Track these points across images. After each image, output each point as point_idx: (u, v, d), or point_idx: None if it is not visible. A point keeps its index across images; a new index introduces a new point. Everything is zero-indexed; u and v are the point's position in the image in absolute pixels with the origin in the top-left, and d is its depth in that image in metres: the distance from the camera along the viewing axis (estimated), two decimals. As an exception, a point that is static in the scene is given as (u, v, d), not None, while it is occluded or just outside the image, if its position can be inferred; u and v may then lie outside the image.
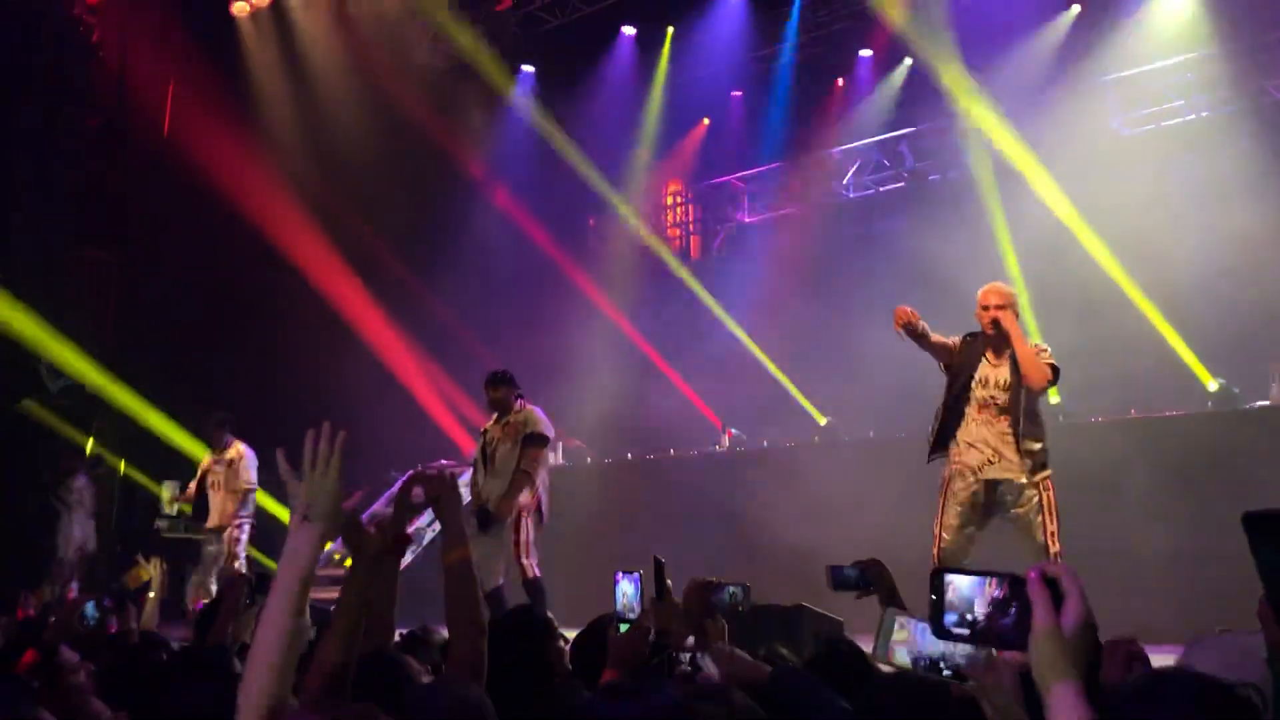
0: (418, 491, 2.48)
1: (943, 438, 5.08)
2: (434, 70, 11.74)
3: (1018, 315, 5.03)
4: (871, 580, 2.85)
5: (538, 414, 6.31)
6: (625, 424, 10.81)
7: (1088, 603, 1.26)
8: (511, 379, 6.41)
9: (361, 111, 11.47)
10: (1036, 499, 4.85)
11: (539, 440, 6.20)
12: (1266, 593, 1.19)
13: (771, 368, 10.95)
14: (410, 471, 10.90)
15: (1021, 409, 4.88)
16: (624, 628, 2.52)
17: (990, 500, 4.95)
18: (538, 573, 6.14)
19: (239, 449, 8.11)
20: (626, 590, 2.70)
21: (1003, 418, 4.93)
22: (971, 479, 4.95)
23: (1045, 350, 4.99)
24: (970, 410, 5.01)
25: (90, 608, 3.79)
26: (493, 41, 11.95)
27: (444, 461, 11.16)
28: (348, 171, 11.23)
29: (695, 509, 8.89)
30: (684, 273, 11.98)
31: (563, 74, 12.01)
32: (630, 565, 2.80)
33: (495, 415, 6.45)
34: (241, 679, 1.50)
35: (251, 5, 11.74)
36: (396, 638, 2.74)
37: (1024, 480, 4.85)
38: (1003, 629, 1.30)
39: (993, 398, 4.96)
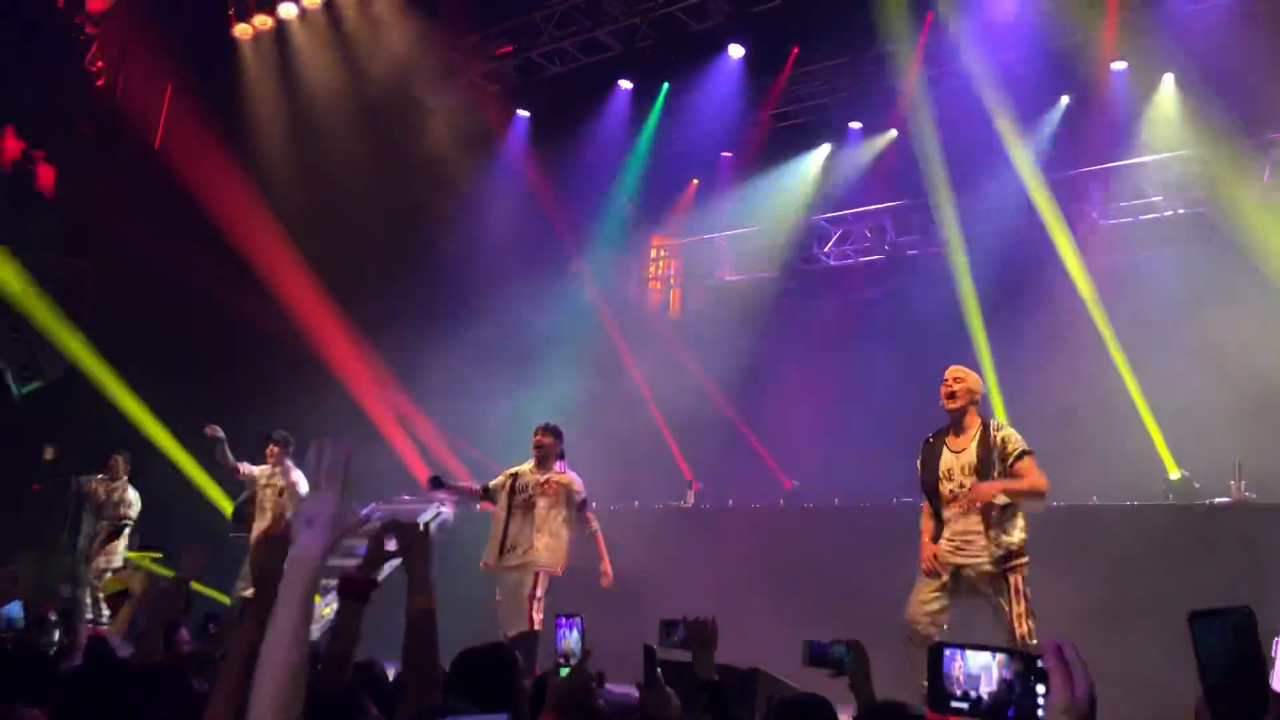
0: (391, 540, 2.50)
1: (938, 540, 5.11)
2: (430, 107, 11.83)
3: (977, 396, 5.12)
4: (854, 661, 2.89)
5: (577, 479, 6.72)
6: (594, 472, 10.78)
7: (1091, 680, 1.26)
8: (560, 433, 6.78)
9: (354, 142, 11.52)
10: (1005, 587, 4.86)
11: (589, 505, 6.74)
12: (1204, 685, 1.21)
13: (744, 428, 10.99)
14: (376, 510, 10.84)
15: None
16: (564, 673, 2.55)
17: (959, 583, 4.99)
18: (538, 626, 6.37)
19: (295, 477, 8.14)
20: (568, 636, 2.73)
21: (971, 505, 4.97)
22: (947, 553, 5.01)
23: (1005, 434, 5.00)
24: (944, 509, 5.07)
25: (16, 608, 3.66)
26: (491, 84, 12.08)
27: (405, 497, 11.09)
28: (334, 200, 11.26)
29: (654, 562, 8.84)
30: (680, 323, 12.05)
31: (557, 121, 12.13)
32: (585, 611, 2.82)
33: (534, 463, 6.74)
34: (252, 689, 1.48)
35: (254, 28, 11.82)
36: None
37: (989, 569, 4.87)
38: (1009, 705, 1.30)
39: (961, 485, 5.00)
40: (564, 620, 2.76)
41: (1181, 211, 9.72)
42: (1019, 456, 4.94)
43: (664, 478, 10.77)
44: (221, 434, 8.23)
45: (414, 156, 11.48)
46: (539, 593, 6.42)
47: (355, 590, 2.47)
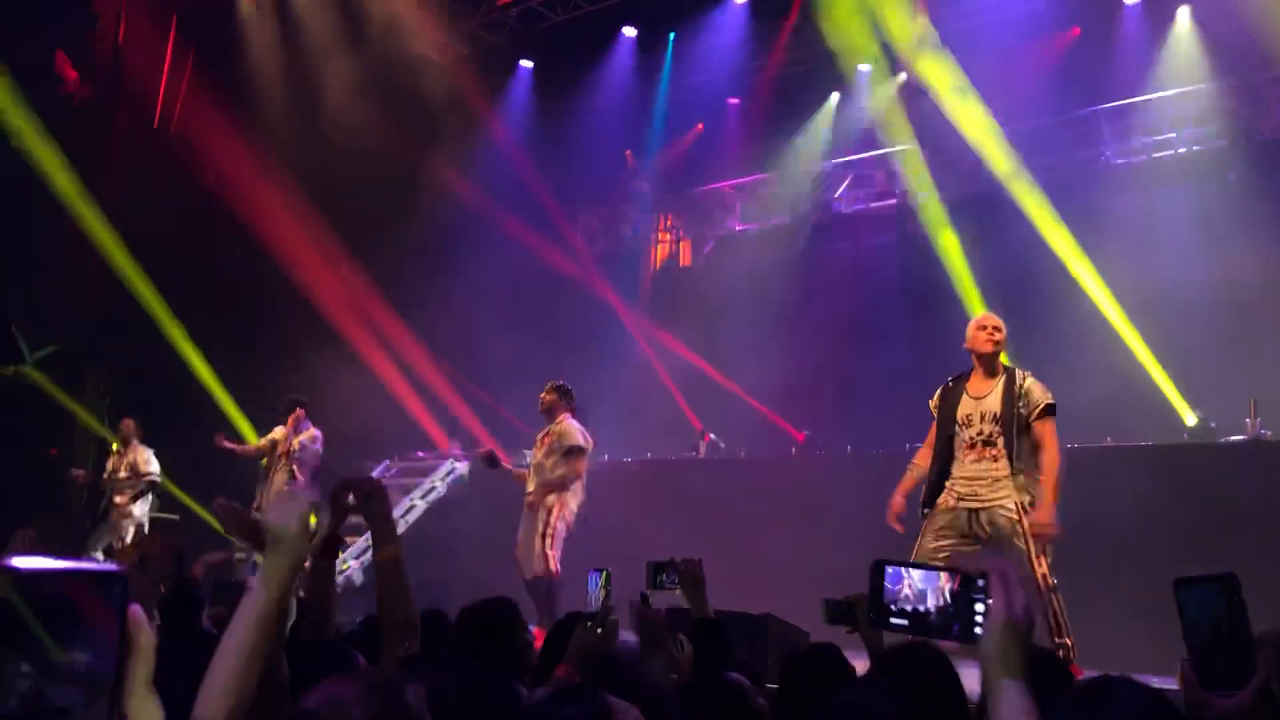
0: (347, 496, 2.51)
1: (936, 489, 5.03)
2: (432, 61, 11.70)
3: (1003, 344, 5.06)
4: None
5: (573, 426, 6.97)
6: (606, 425, 10.79)
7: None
8: (562, 390, 7.13)
9: (357, 102, 11.42)
10: (1021, 529, 4.80)
11: (577, 451, 6.86)
12: (1189, 653, 1.20)
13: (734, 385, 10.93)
14: (391, 467, 10.89)
15: (1015, 442, 4.85)
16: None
17: (973, 525, 4.89)
18: (557, 566, 6.67)
19: (311, 434, 8.43)
20: (594, 588, 2.72)
21: (989, 450, 4.89)
22: (954, 502, 4.94)
23: (1030, 384, 4.95)
24: (959, 453, 4.98)
25: None
26: (491, 34, 11.94)
27: (419, 454, 11.15)
28: (338, 162, 11.17)
29: (672, 513, 8.87)
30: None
31: (560, 71, 11.99)
32: (602, 563, 2.81)
33: (547, 421, 7.14)
34: (199, 692, 1.48)
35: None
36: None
37: (1009, 512, 4.81)
38: (951, 621, 1.32)
39: (980, 433, 4.92)
40: (593, 572, 2.76)
41: (1197, 148, 9.56)
42: (1042, 413, 4.88)
43: (674, 430, 10.78)
44: (228, 444, 8.66)
45: (416, 110, 11.37)
46: (550, 534, 6.70)
47: (321, 547, 2.47)
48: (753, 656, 3.87)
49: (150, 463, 9.11)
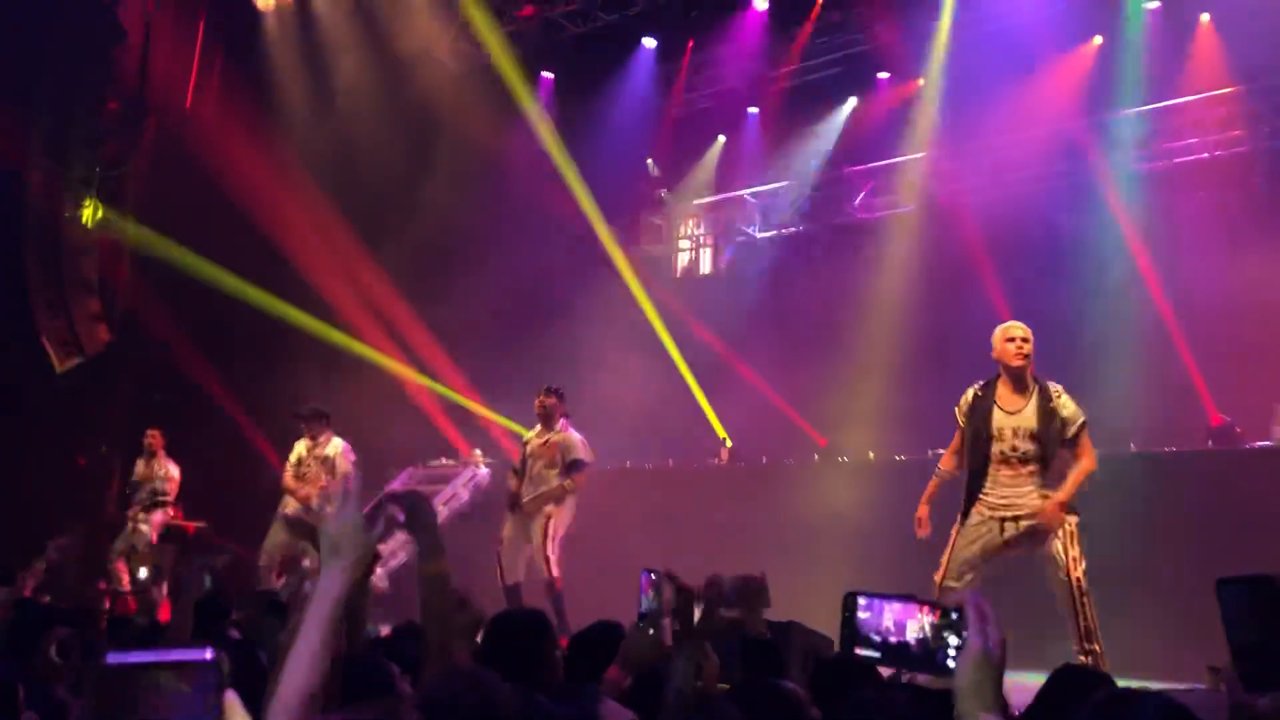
0: (394, 509, 2.52)
1: (970, 500, 4.97)
2: (454, 69, 11.79)
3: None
4: None
5: (576, 439, 6.81)
6: (627, 431, 10.81)
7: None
8: (561, 395, 6.93)
9: (379, 106, 11.52)
10: (1060, 529, 4.78)
11: (581, 465, 6.74)
12: (1232, 654, 1.21)
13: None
14: (411, 476, 10.94)
15: (1050, 460, 4.83)
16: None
17: (1005, 532, 4.85)
18: (558, 573, 6.60)
19: (337, 444, 8.05)
20: (648, 593, 2.69)
21: (1025, 467, 4.85)
22: (987, 512, 4.90)
23: (1064, 401, 4.90)
24: (992, 468, 4.91)
25: None
26: (514, 45, 12.01)
27: (444, 460, 11.18)
28: (361, 167, 11.27)
29: (694, 519, 8.88)
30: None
31: (582, 82, 12.04)
32: (618, 574, 2.81)
33: (539, 427, 6.92)
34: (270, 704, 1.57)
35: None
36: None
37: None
38: (929, 653, 1.33)
39: (1014, 449, 4.86)
40: (645, 573, 2.73)
41: (1219, 154, 9.51)
42: (1079, 430, 4.87)
43: (696, 437, 10.79)
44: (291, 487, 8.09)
45: (437, 120, 11.45)
46: (550, 535, 6.64)
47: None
48: (781, 664, 3.87)
49: (169, 478, 8.95)
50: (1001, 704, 1.26)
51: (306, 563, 8.02)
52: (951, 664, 1.32)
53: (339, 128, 11.49)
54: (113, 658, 1.08)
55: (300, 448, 8.15)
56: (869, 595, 1.39)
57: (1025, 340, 4.92)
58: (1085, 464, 4.84)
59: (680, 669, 2.33)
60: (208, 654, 1.13)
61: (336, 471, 7.91)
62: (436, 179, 11.57)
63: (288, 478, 8.08)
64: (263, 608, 3.58)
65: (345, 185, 11.13)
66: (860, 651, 1.39)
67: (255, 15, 11.82)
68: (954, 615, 1.33)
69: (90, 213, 11.33)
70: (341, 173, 11.17)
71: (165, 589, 5.28)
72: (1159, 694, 1.50)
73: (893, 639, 1.37)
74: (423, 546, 2.37)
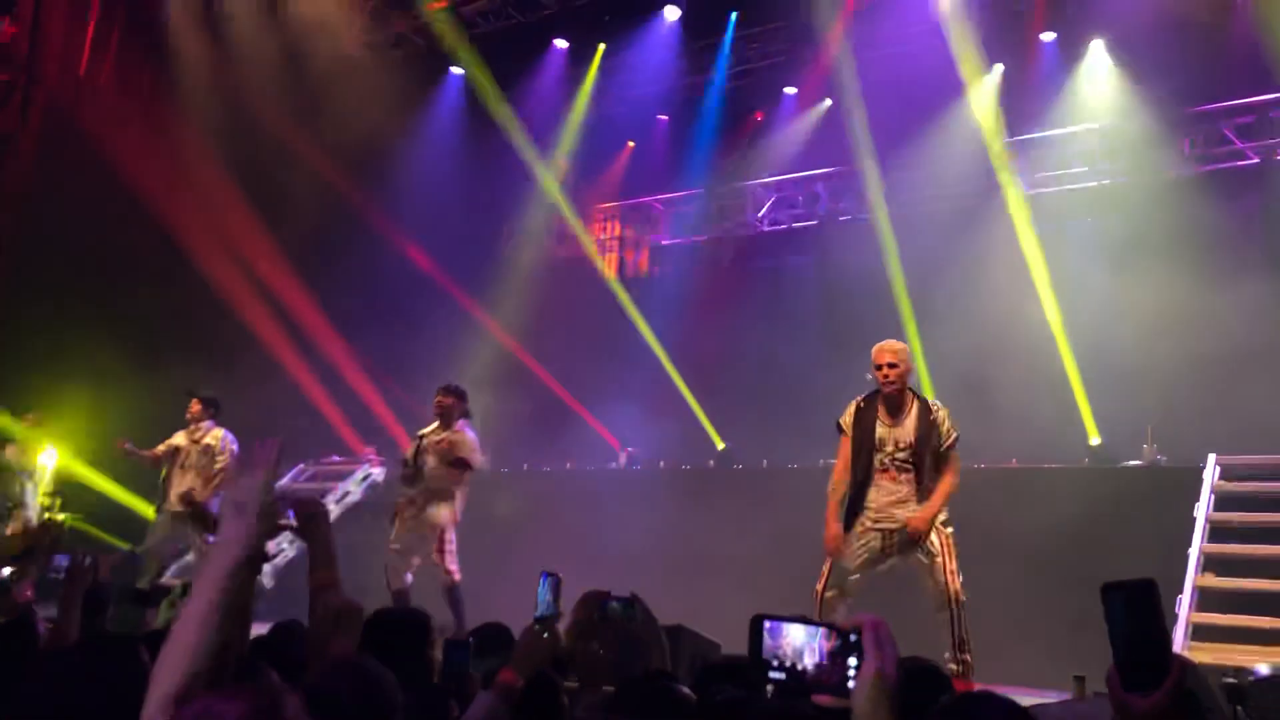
0: (286, 512, 2.46)
1: (854, 510, 5.08)
2: (362, 62, 11.57)
3: (911, 371, 5.17)
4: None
5: (470, 440, 6.68)
6: (526, 434, 10.76)
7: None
8: (460, 393, 6.80)
9: (283, 97, 11.22)
10: (937, 541, 4.95)
11: (463, 465, 6.61)
12: (1115, 658, 1.26)
13: (683, 388, 10.98)
14: (304, 471, 10.69)
15: (926, 469, 5.00)
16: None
17: (887, 545, 5.00)
18: (457, 577, 6.51)
19: (218, 433, 7.70)
20: (542, 592, 2.70)
21: (903, 475, 5.02)
22: (869, 523, 5.03)
23: (942, 416, 5.07)
24: (875, 476, 5.06)
25: (64, 559, 3.56)
26: (421, 39, 11.86)
27: (335, 458, 10.97)
28: (263, 157, 10.96)
29: (589, 523, 8.88)
30: (618, 288, 12.01)
31: (490, 78, 11.94)
32: (518, 575, 2.82)
33: (436, 424, 6.77)
34: (156, 659, 1.52)
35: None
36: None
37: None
38: (827, 676, 1.35)
39: (892, 458, 5.04)
40: (543, 575, 2.73)
41: (1105, 182, 9.91)
42: (952, 444, 5.05)
43: (594, 441, 10.80)
44: (132, 446, 7.80)
45: (344, 114, 11.21)
46: (446, 545, 6.54)
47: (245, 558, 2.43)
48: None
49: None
50: None
51: (190, 557, 7.78)
52: (850, 685, 1.33)
53: (240, 116, 11.13)
54: None
55: (179, 438, 7.82)
56: (773, 619, 1.40)
57: (893, 367, 5.06)
58: (950, 480, 5.02)
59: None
60: None
61: (216, 462, 7.64)
62: (335, 161, 11.25)
63: (153, 454, 7.77)
64: (128, 598, 3.45)
65: (244, 163, 10.80)
66: (771, 675, 1.40)
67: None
68: (852, 638, 1.35)
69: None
70: (241, 162, 10.84)
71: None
72: (999, 697, 1.55)
73: (795, 663, 1.38)
74: (314, 557, 2.30)
